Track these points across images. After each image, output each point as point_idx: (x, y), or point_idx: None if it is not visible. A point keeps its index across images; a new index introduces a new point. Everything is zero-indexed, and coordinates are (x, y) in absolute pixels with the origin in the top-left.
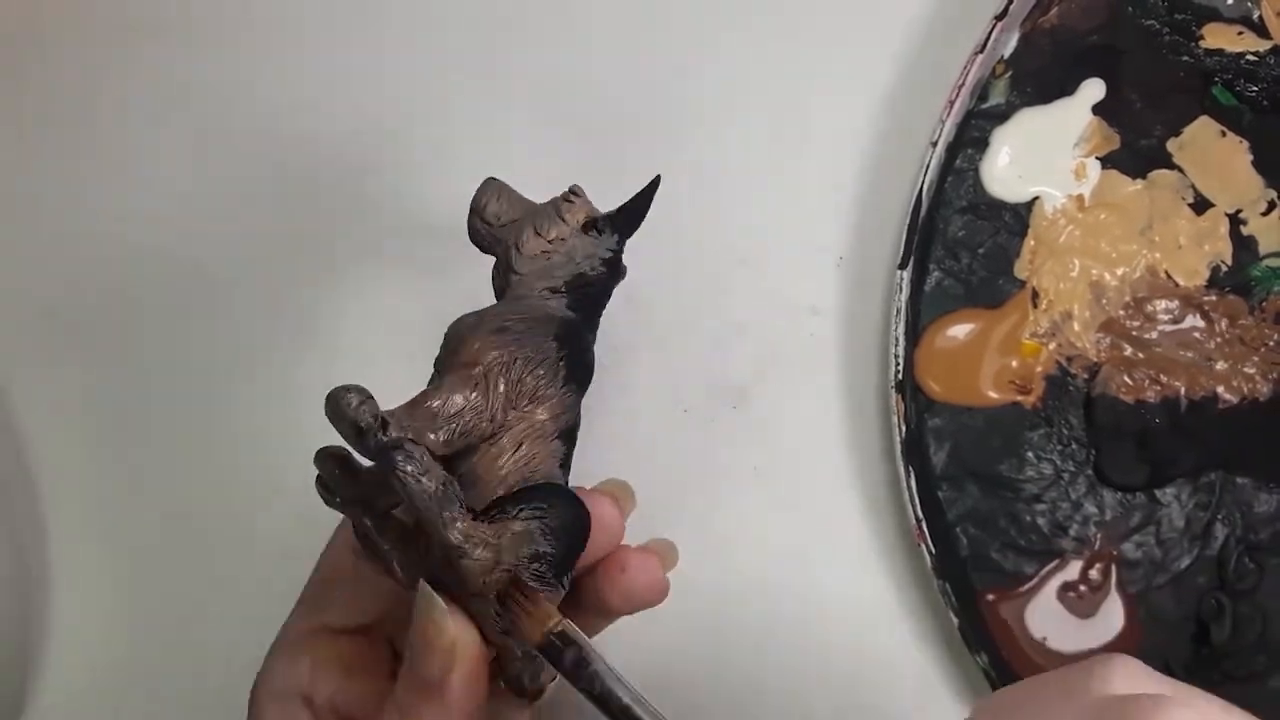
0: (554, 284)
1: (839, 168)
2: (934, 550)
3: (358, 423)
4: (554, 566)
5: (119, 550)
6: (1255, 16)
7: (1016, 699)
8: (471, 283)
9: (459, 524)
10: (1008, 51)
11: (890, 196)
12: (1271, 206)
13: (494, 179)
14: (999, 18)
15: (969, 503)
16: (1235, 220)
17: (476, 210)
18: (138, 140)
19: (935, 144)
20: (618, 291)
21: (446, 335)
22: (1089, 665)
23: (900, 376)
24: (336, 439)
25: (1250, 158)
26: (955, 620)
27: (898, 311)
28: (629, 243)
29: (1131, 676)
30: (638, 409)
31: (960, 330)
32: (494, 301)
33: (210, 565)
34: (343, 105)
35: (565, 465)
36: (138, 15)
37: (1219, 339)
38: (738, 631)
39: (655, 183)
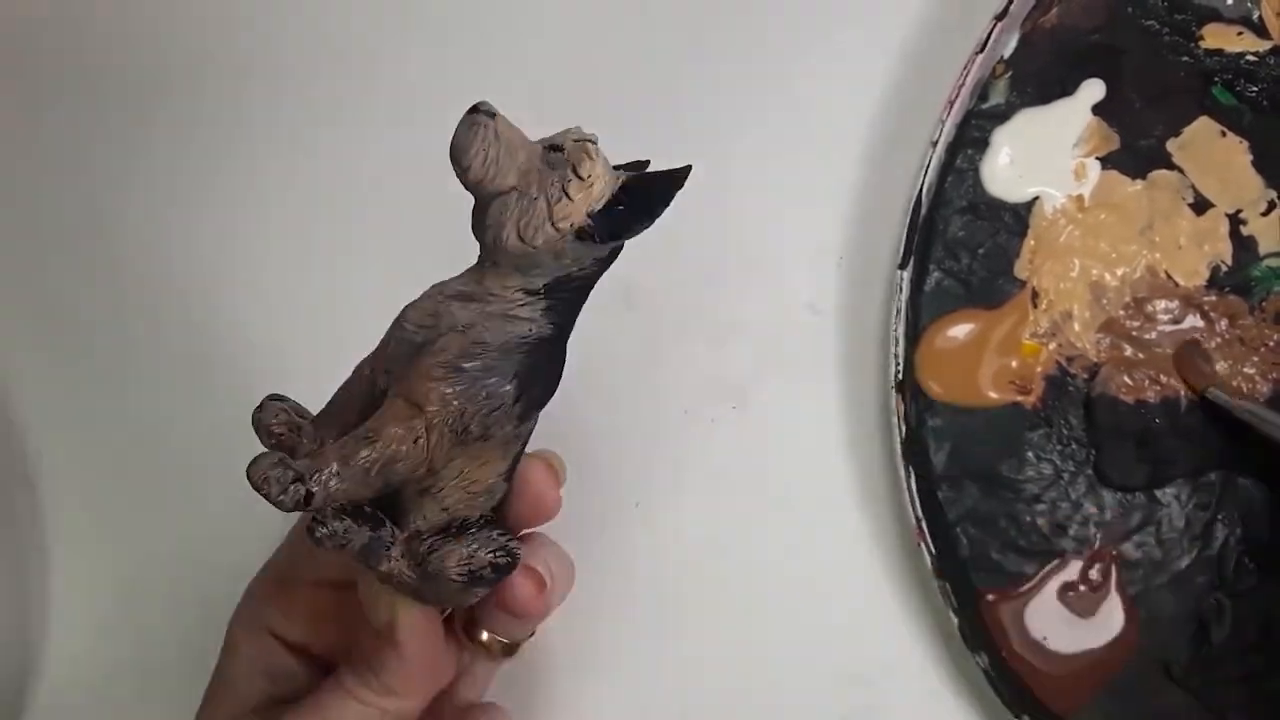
0: (531, 285)
1: (839, 167)
2: (934, 550)
3: (279, 505)
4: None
5: (119, 550)
6: (1255, 17)
7: None
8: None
9: (384, 565)
10: (1008, 51)
11: (890, 196)
12: (1271, 206)
13: (484, 116)
14: (999, 18)
15: (969, 503)
16: (1235, 220)
17: (458, 162)
18: (140, 139)
19: (935, 144)
20: (618, 292)
21: (399, 325)
22: None
23: (900, 377)
24: None
25: (1250, 158)
26: (955, 620)
27: (898, 311)
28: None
29: None
30: (638, 409)
31: (960, 330)
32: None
33: (211, 565)
34: None
35: (509, 474)
36: None
37: (1219, 339)
38: (737, 631)
39: (680, 176)
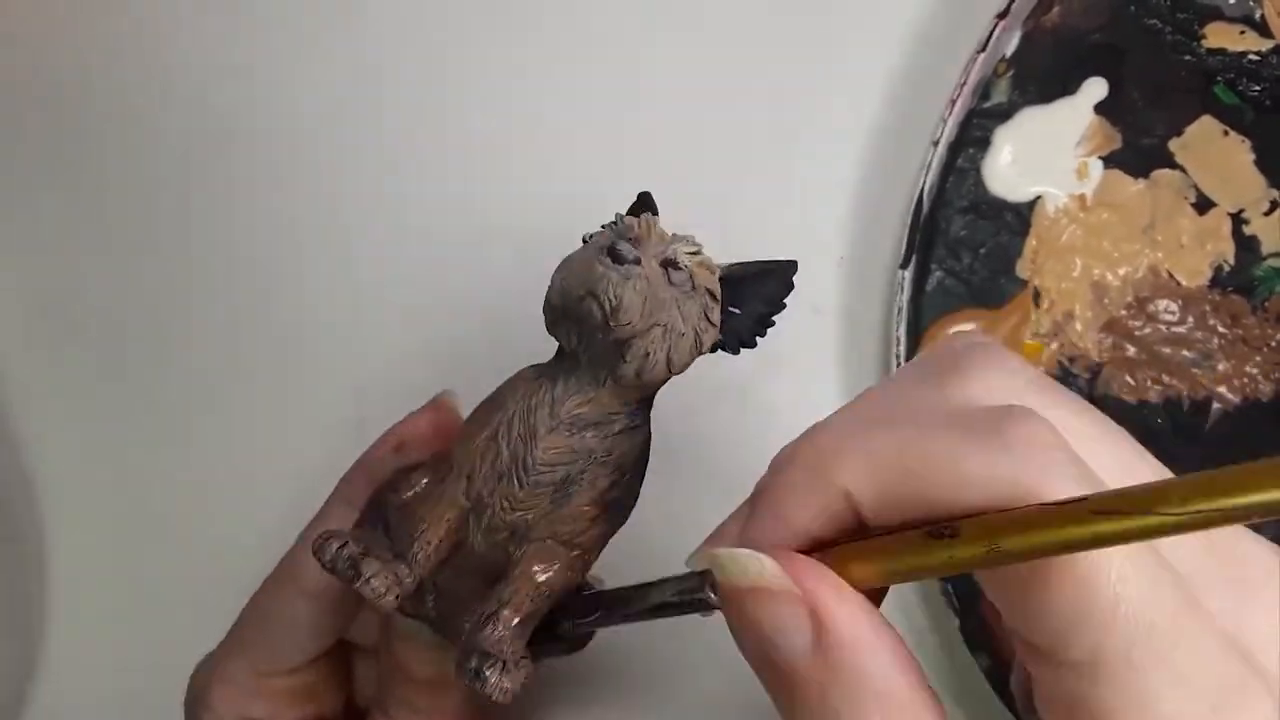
0: (647, 394)
1: (840, 166)
2: None
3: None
4: None
5: (118, 551)
6: (1257, 16)
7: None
8: None
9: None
10: (1009, 50)
11: (891, 196)
12: (1274, 206)
13: (633, 261)
14: (1001, 16)
15: None
16: (1238, 220)
17: (612, 315)
18: (138, 138)
19: (937, 143)
20: None
21: (520, 461)
22: (956, 360)
23: None
24: (331, 442)
25: (1252, 157)
26: (956, 621)
27: (899, 311)
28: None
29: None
30: None
31: (962, 330)
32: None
33: (211, 566)
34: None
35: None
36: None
37: (1221, 339)
38: None
39: (788, 272)
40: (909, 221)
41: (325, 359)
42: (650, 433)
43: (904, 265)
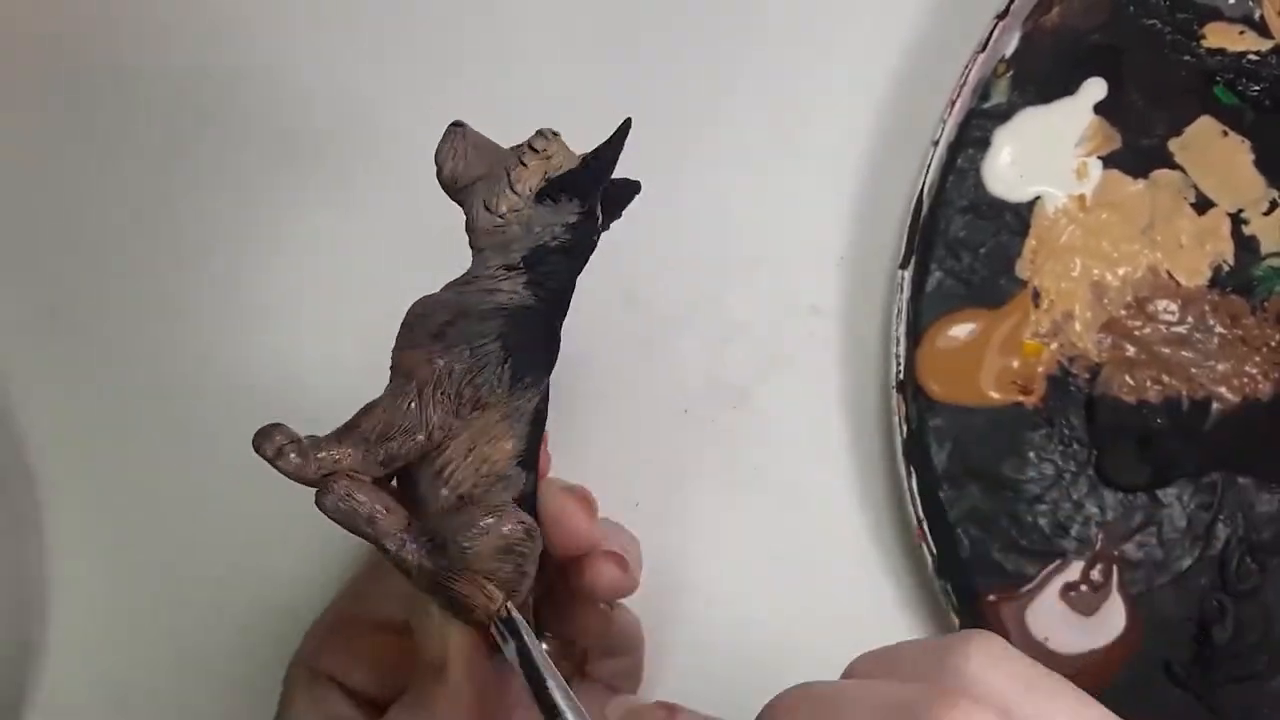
0: (510, 260)
1: (840, 167)
2: (935, 551)
3: (287, 472)
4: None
5: (119, 550)
6: (1256, 16)
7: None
8: None
9: (394, 546)
10: (1009, 51)
11: (891, 196)
12: (1273, 206)
13: (456, 127)
14: (1000, 17)
15: (970, 503)
16: (1237, 220)
17: (437, 168)
18: (140, 139)
19: (936, 143)
20: (618, 291)
21: (403, 322)
22: (941, 650)
23: (901, 376)
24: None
25: (1252, 157)
26: (956, 621)
27: (899, 311)
28: (628, 231)
29: (993, 665)
30: (638, 409)
31: (961, 330)
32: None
33: (212, 565)
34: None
35: (526, 460)
36: None
37: (1221, 339)
38: (737, 631)
39: (623, 131)
40: (909, 222)
41: (324, 352)
42: (536, 308)
43: (904, 265)
